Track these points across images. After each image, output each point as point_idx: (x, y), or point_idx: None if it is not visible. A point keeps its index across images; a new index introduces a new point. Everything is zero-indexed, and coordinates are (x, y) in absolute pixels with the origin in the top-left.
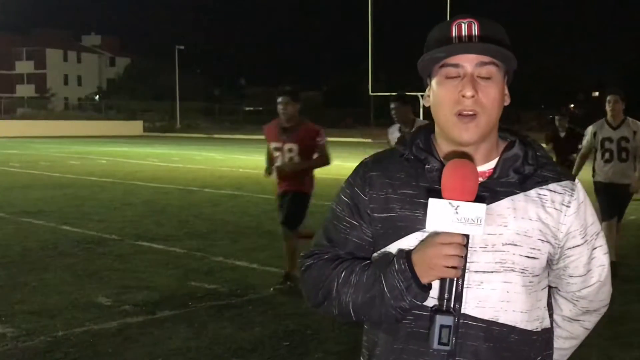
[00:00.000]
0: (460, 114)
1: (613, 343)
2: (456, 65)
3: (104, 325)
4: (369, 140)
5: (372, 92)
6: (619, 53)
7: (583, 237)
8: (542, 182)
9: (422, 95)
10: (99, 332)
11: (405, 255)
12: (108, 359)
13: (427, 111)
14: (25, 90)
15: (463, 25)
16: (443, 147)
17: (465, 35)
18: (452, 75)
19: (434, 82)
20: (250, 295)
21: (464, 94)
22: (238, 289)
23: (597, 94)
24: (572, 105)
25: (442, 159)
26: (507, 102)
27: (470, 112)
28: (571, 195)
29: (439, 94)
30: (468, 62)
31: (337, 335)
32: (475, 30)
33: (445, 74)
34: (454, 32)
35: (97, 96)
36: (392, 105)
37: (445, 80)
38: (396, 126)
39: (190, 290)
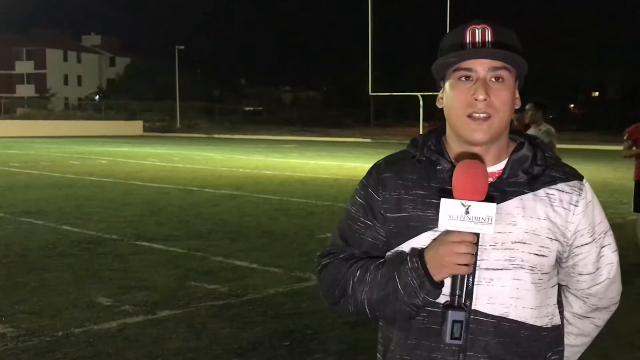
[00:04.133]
0: (471, 116)
1: (613, 343)
2: (469, 69)
3: (104, 325)
4: (369, 140)
5: (372, 92)
6: (619, 53)
7: (591, 236)
8: (551, 182)
9: (422, 96)
10: (99, 332)
11: (418, 253)
12: (108, 359)
13: (440, 112)
14: (25, 90)
15: (477, 30)
16: (454, 148)
17: (478, 41)
18: (465, 78)
19: (447, 85)
20: (250, 295)
21: (476, 97)
22: (238, 289)
23: (597, 94)
24: (572, 105)
25: (452, 160)
26: (517, 105)
27: (483, 115)
28: (579, 195)
29: (452, 96)
30: (481, 66)
31: (337, 335)
32: (488, 36)
33: (459, 77)
34: (468, 38)
35: (97, 96)
36: None
37: (458, 83)
38: None
39: (190, 290)
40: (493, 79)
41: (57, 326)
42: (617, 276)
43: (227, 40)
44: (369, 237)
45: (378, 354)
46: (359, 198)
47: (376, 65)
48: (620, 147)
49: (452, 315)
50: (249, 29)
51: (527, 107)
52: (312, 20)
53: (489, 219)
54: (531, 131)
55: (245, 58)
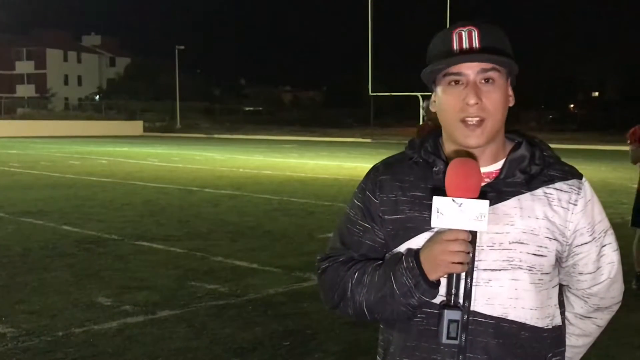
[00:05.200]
0: (464, 121)
1: (613, 343)
2: (458, 74)
3: (104, 325)
4: (369, 140)
5: (372, 92)
6: (619, 53)
7: (591, 235)
8: (549, 181)
9: (422, 96)
10: (99, 332)
11: (414, 253)
12: (108, 359)
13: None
14: (25, 90)
15: (463, 33)
16: (450, 150)
17: (465, 45)
18: (455, 83)
19: (438, 90)
20: (250, 295)
21: (467, 102)
22: (238, 289)
23: (597, 94)
24: (572, 105)
25: (449, 161)
26: (511, 103)
27: (476, 119)
28: (578, 194)
29: (443, 101)
30: (470, 69)
31: (337, 335)
32: (475, 39)
33: (449, 82)
34: (455, 42)
35: (97, 96)
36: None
37: (448, 88)
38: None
39: (190, 290)
40: (483, 81)
41: (57, 326)
42: (619, 275)
43: (227, 40)
44: (368, 240)
45: (378, 357)
46: (357, 201)
47: (376, 65)
48: (620, 147)
49: (447, 314)
50: (249, 29)
51: None
52: (312, 20)
53: (482, 216)
54: None
55: (245, 58)
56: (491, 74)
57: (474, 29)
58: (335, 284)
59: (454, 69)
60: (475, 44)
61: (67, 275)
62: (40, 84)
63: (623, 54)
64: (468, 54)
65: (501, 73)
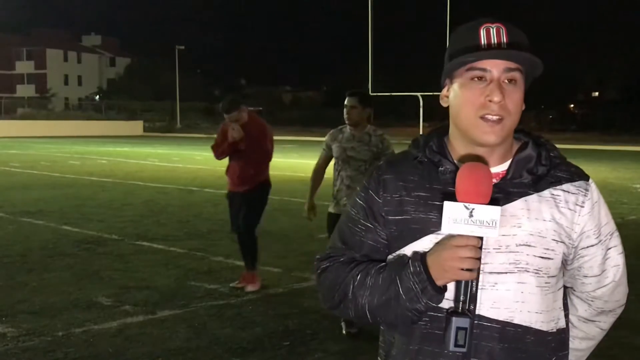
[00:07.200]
0: (484, 118)
1: (614, 343)
2: (483, 70)
3: (104, 325)
4: None
5: (372, 92)
6: (619, 53)
7: (597, 237)
8: (556, 182)
9: (422, 96)
10: (99, 332)
11: (420, 257)
12: (108, 359)
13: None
14: (25, 90)
15: (491, 30)
16: (458, 149)
17: (494, 41)
18: (478, 79)
19: (456, 84)
20: (250, 295)
21: (491, 99)
22: (238, 289)
23: (597, 94)
24: (572, 105)
25: (455, 162)
26: (523, 107)
27: (496, 117)
28: (585, 195)
29: (463, 97)
30: (496, 67)
31: (337, 335)
32: (503, 36)
33: (471, 77)
34: (483, 37)
35: (97, 96)
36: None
37: (470, 83)
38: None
39: (190, 290)
40: (506, 81)
41: (57, 326)
42: (623, 278)
43: (227, 40)
44: (370, 240)
45: (378, 358)
46: (360, 200)
47: (376, 65)
48: (620, 147)
49: (456, 322)
50: (249, 28)
51: (347, 102)
52: (312, 20)
53: (494, 223)
54: (349, 138)
55: (245, 58)
56: (515, 74)
57: (502, 26)
58: (336, 284)
59: (480, 64)
60: (504, 40)
61: (67, 275)
62: (40, 84)
63: (623, 54)
64: (498, 50)
65: (522, 74)
